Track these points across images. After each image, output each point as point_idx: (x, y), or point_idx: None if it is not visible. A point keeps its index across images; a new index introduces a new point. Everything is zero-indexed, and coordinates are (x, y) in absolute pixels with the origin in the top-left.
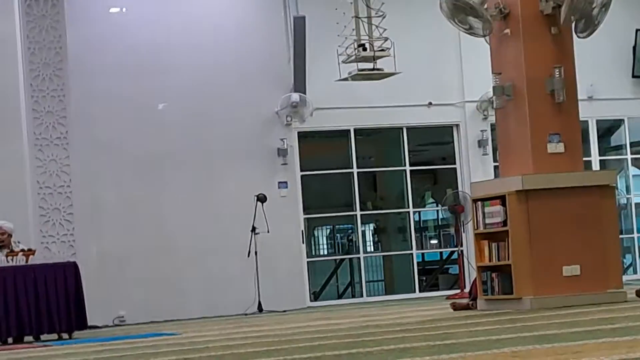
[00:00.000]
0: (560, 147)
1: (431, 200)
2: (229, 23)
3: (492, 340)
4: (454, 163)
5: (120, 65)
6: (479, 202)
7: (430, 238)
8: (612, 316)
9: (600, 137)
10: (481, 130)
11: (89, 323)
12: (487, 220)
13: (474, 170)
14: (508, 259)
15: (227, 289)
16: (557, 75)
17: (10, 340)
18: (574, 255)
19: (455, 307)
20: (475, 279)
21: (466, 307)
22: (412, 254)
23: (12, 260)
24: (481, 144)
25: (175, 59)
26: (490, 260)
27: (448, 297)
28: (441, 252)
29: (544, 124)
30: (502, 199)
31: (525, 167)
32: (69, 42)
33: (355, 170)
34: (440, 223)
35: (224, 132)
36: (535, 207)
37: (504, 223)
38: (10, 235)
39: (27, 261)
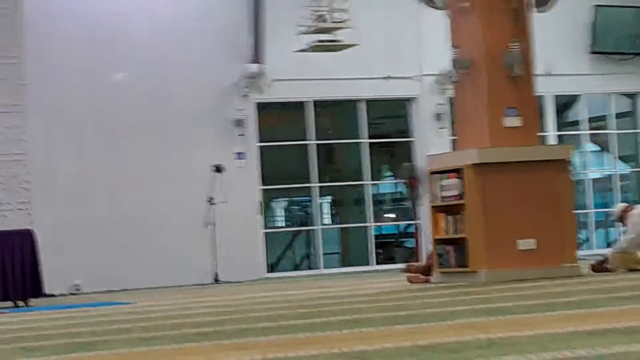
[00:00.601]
0: (516, 121)
1: (389, 173)
2: None
3: (447, 312)
4: (412, 136)
5: (78, 34)
6: (436, 175)
7: (387, 211)
8: (567, 290)
9: (557, 113)
10: (438, 104)
11: (45, 291)
12: (444, 193)
13: (431, 143)
14: (464, 232)
15: (183, 259)
16: (515, 50)
17: None
18: (529, 229)
19: (410, 271)
20: (431, 251)
21: (421, 272)
22: (369, 226)
23: None
24: (438, 117)
25: (133, 28)
26: (446, 233)
27: (404, 270)
28: (398, 226)
29: (501, 98)
30: (458, 172)
31: (482, 140)
32: (26, 10)
33: (313, 142)
34: (397, 197)
35: (181, 103)
36: (491, 180)
37: (460, 196)
38: None
39: None
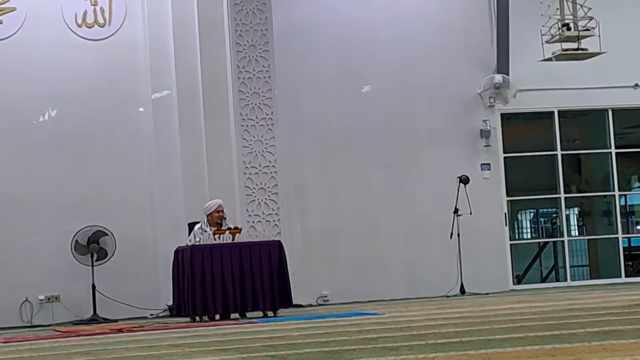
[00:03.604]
0: None
1: (638, 184)
2: (432, 4)
3: None
4: None
5: (324, 46)
6: None
7: (637, 223)
8: None
9: None
10: None
11: (294, 302)
12: None
13: None
14: None
15: (429, 270)
16: None
17: (217, 317)
18: None
19: None
20: None
21: None
22: (617, 238)
23: (219, 238)
24: None
25: (378, 41)
26: None
27: None
28: None
29: None
30: None
31: None
32: (274, 24)
33: (559, 152)
34: None
35: (426, 114)
36: None
37: None
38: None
39: (233, 239)
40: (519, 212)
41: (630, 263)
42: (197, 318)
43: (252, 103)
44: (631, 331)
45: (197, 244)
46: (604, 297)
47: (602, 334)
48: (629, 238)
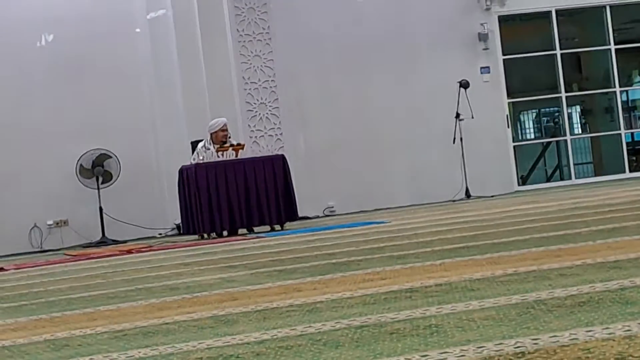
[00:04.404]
0: None
1: (639, 79)
2: None
3: None
4: None
5: None
6: None
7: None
8: None
9: None
10: None
11: (300, 214)
12: None
13: None
14: None
15: (434, 176)
16: None
17: (225, 233)
18: None
19: None
20: None
21: None
22: (620, 134)
23: (222, 155)
24: None
25: None
26: None
27: None
28: None
29: None
30: None
31: None
32: None
33: (558, 51)
34: None
35: (424, 20)
36: None
37: None
38: None
39: (236, 155)
40: (522, 112)
41: (634, 158)
42: (205, 235)
43: (248, 18)
44: (635, 227)
45: (201, 162)
46: (608, 194)
47: (606, 232)
48: (632, 133)
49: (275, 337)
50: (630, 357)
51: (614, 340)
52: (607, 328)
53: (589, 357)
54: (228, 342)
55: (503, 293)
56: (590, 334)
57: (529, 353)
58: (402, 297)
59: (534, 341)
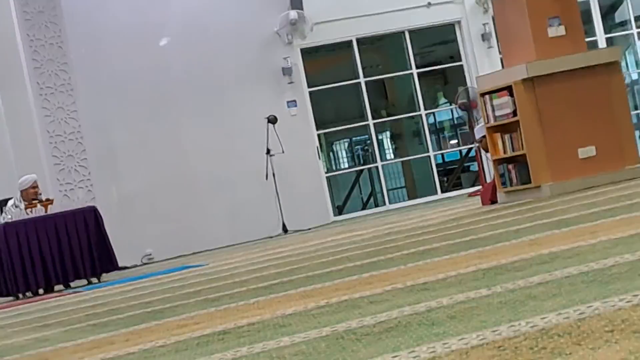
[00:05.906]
0: (561, 30)
1: (444, 100)
2: None
3: (512, 231)
4: (461, 60)
5: (116, 3)
6: (487, 96)
7: (450, 138)
8: (630, 192)
9: (604, 16)
10: (483, 24)
11: (119, 265)
12: (497, 113)
13: (481, 64)
14: (522, 149)
15: (251, 214)
16: None
17: (41, 291)
18: (587, 137)
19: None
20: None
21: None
22: (429, 156)
23: (31, 212)
24: (485, 37)
25: None
26: (504, 152)
27: (470, 195)
28: (460, 151)
29: (542, 8)
30: (509, 90)
31: (528, 55)
32: None
33: (362, 79)
34: (456, 122)
35: (227, 59)
36: (543, 93)
37: (514, 113)
38: None
39: (46, 211)
40: (334, 143)
41: (446, 178)
42: (20, 295)
43: (48, 70)
44: (444, 247)
45: (10, 220)
46: (421, 217)
47: (417, 255)
48: (442, 154)
49: None
50: None
51: None
52: (412, 352)
53: None
54: None
55: (314, 326)
56: (396, 359)
57: None
58: (214, 340)
59: None
